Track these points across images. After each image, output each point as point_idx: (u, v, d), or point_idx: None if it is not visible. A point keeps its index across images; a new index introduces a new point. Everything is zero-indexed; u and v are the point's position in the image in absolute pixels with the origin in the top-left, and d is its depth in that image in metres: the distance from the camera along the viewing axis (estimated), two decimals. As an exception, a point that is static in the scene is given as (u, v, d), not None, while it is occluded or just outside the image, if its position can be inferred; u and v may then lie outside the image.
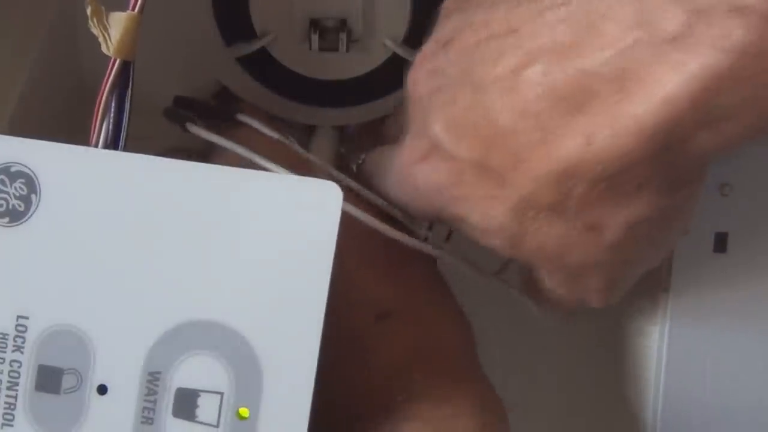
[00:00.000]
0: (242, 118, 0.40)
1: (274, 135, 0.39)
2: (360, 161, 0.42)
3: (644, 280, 0.39)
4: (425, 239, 0.37)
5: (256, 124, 0.39)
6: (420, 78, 0.34)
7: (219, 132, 0.41)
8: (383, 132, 0.43)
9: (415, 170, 0.34)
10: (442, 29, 0.34)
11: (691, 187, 0.32)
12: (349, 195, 0.34)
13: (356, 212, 0.34)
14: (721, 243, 0.37)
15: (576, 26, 0.29)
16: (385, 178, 0.37)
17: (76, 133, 0.33)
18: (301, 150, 0.38)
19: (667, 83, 0.28)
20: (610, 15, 0.29)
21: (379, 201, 0.37)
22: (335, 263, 0.30)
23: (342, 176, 0.37)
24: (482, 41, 0.32)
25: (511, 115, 0.30)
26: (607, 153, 0.29)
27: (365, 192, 0.37)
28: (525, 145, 0.30)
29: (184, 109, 0.42)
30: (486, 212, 0.32)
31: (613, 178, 0.30)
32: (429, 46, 0.35)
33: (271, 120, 0.43)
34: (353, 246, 0.32)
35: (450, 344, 0.35)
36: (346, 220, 0.31)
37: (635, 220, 0.31)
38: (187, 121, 0.38)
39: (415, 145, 0.34)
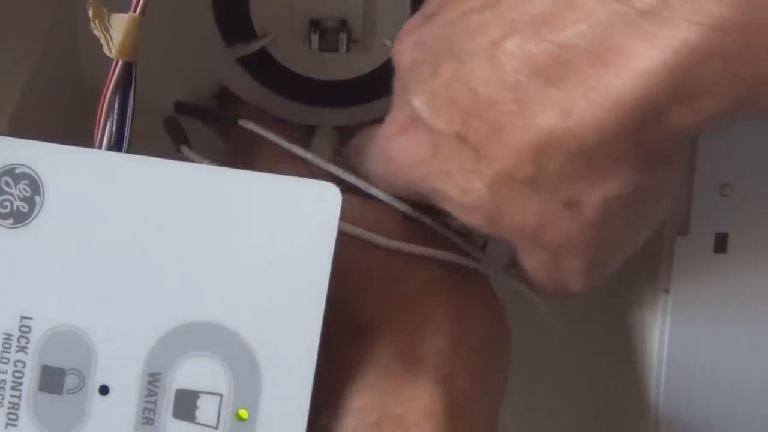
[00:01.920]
0: (243, 123, 0.40)
1: (274, 139, 0.39)
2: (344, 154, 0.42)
3: (644, 280, 0.40)
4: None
5: (257, 128, 0.39)
6: (403, 50, 0.34)
7: (223, 136, 0.41)
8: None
9: (394, 143, 0.34)
10: (428, 3, 0.34)
11: (668, 165, 0.31)
12: (351, 196, 0.34)
13: (355, 230, 0.34)
14: (721, 243, 0.38)
15: None
16: (367, 158, 0.37)
17: (76, 134, 0.33)
18: (303, 153, 0.38)
19: (642, 57, 0.28)
20: None
21: (382, 195, 0.37)
22: (333, 268, 0.30)
23: (346, 176, 0.37)
24: (464, 14, 0.32)
25: (490, 86, 0.30)
26: (584, 126, 0.29)
27: (368, 190, 0.37)
28: (502, 117, 0.30)
29: (184, 114, 0.42)
30: (463, 187, 0.32)
31: (590, 153, 0.29)
32: (414, 19, 0.35)
33: (273, 121, 0.43)
34: (340, 260, 0.32)
35: (419, 356, 0.34)
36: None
37: (613, 196, 0.31)
38: (181, 143, 0.39)
39: (395, 117, 0.34)
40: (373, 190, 0.37)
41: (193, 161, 0.37)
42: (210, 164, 0.36)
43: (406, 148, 0.33)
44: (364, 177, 0.37)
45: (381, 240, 0.35)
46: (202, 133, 0.42)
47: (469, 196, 0.32)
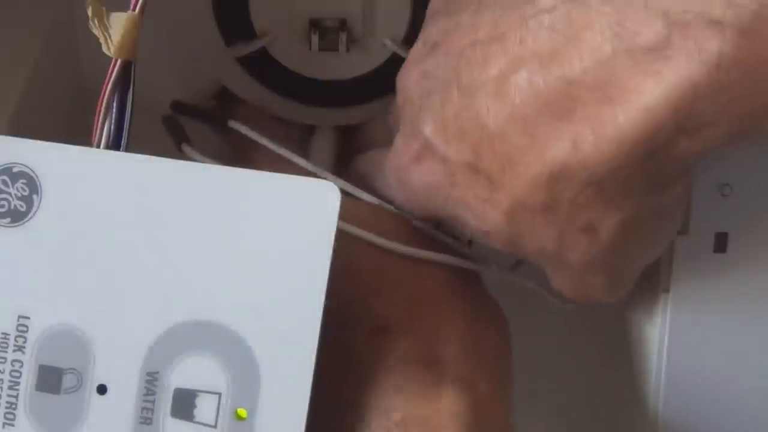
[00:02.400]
0: (232, 124, 0.40)
1: (264, 142, 0.39)
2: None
3: (644, 280, 0.40)
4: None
5: (245, 130, 0.40)
6: (409, 81, 0.35)
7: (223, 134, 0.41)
8: (369, 134, 0.43)
9: (409, 171, 0.35)
10: (428, 31, 0.35)
11: (679, 184, 0.32)
12: (349, 201, 0.34)
13: (356, 230, 0.34)
14: (721, 243, 0.37)
15: (558, 35, 0.30)
16: (380, 179, 0.38)
17: (76, 133, 0.33)
18: (295, 158, 0.38)
19: (646, 93, 0.28)
20: (589, 24, 0.29)
21: (376, 202, 0.37)
22: (332, 266, 0.29)
23: (339, 180, 0.37)
24: (469, 46, 0.32)
25: (499, 119, 0.31)
26: (592, 159, 0.30)
27: (364, 195, 0.37)
28: (514, 148, 0.31)
29: (180, 114, 0.42)
30: (481, 214, 0.33)
31: (600, 182, 0.30)
32: (417, 49, 0.35)
33: (272, 122, 0.43)
34: (348, 259, 0.32)
35: (439, 356, 0.34)
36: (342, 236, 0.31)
37: (627, 220, 0.31)
38: (182, 141, 0.39)
39: (408, 146, 0.34)
40: (365, 196, 0.37)
41: (194, 160, 0.37)
42: (211, 163, 0.36)
43: (423, 176, 0.34)
44: (381, 197, 0.38)
45: (397, 246, 0.35)
46: (203, 131, 0.42)
47: (487, 224, 0.33)
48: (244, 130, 0.40)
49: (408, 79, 0.35)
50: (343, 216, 0.30)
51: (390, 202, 0.38)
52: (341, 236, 0.30)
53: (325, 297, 0.29)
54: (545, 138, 0.30)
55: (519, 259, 0.36)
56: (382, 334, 0.33)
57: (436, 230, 0.37)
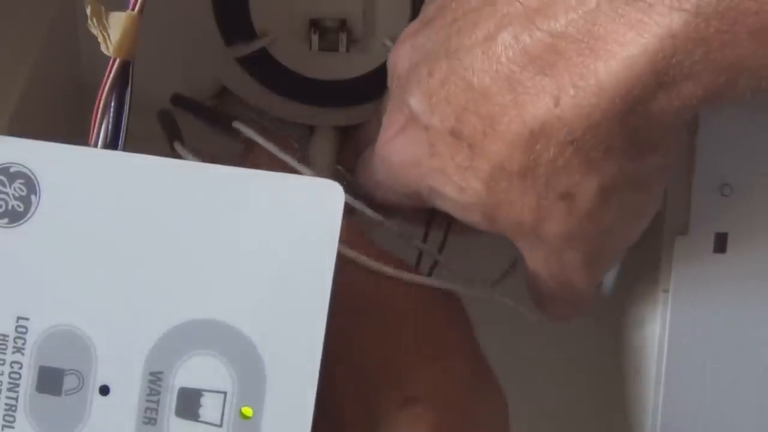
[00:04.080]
0: (237, 125, 0.40)
1: (269, 146, 0.39)
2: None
3: (644, 280, 0.40)
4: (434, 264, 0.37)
5: (250, 133, 0.39)
6: (400, 55, 0.35)
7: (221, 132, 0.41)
8: (367, 134, 0.43)
9: (391, 144, 0.35)
10: (426, 9, 0.35)
11: (656, 154, 0.32)
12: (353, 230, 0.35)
13: (351, 253, 0.34)
14: (721, 243, 0.37)
15: None
16: (371, 170, 0.38)
17: (76, 133, 0.33)
18: (295, 163, 0.38)
19: (628, 43, 0.29)
20: None
21: (379, 219, 0.37)
22: (337, 266, 0.29)
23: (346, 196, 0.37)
24: (461, 16, 0.33)
25: (485, 77, 0.31)
26: (572, 113, 0.30)
27: (363, 209, 0.37)
28: (496, 109, 0.31)
29: (182, 109, 0.42)
30: (460, 184, 0.33)
31: (580, 141, 0.30)
32: (413, 25, 0.35)
33: (273, 123, 0.43)
34: (386, 326, 0.33)
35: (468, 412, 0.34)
36: (376, 295, 0.32)
37: (606, 185, 0.31)
38: (174, 140, 0.39)
39: (393, 121, 0.35)
40: (367, 210, 0.37)
41: (185, 158, 0.37)
42: (201, 161, 0.36)
43: (403, 148, 0.34)
44: (372, 192, 0.38)
45: (392, 271, 0.35)
46: (196, 128, 0.42)
47: (466, 194, 0.33)
48: (250, 133, 0.40)
49: (397, 53, 0.35)
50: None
51: (381, 196, 0.38)
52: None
53: (330, 295, 0.29)
54: (527, 95, 0.30)
55: (503, 273, 0.37)
56: (416, 403, 0.33)
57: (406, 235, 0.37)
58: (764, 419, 0.39)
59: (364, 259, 0.34)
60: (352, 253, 0.34)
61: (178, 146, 0.39)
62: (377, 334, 0.32)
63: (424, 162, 0.34)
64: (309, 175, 0.38)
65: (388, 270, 0.34)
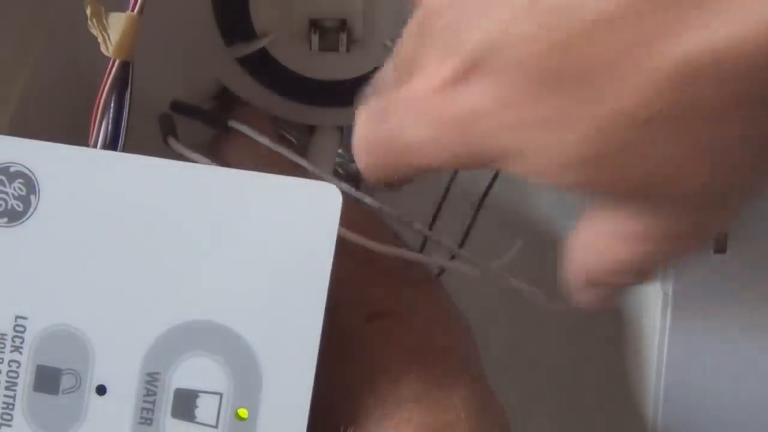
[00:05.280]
0: (233, 125, 0.40)
1: (266, 142, 0.39)
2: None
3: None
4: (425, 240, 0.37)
5: (247, 131, 0.39)
6: None
7: (215, 138, 0.41)
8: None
9: (438, 100, 0.27)
10: None
11: None
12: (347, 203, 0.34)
13: (350, 236, 0.34)
14: (721, 243, 0.37)
15: None
16: (394, 128, 0.30)
17: (77, 134, 0.33)
18: (294, 157, 0.38)
19: None
20: None
21: (377, 206, 0.37)
22: (334, 264, 0.30)
23: (338, 182, 0.37)
24: None
25: (609, 3, 0.24)
26: (732, 50, 0.23)
27: (363, 197, 0.37)
28: (631, 39, 0.24)
29: (180, 114, 0.42)
30: (553, 139, 0.26)
31: (737, 83, 0.24)
32: None
33: (272, 122, 0.43)
34: (346, 245, 0.32)
35: (447, 346, 0.34)
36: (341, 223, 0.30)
37: (753, 136, 0.25)
38: (169, 135, 0.39)
39: (434, 71, 0.27)
40: (368, 199, 0.37)
41: (180, 153, 0.37)
42: (199, 157, 0.36)
43: (461, 102, 0.27)
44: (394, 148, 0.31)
45: (389, 249, 0.35)
46: (198, 130, 0.42)
47: (562, 150, 0.26)
48: (244, 129, 0.40)
49: None
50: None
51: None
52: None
53: (327, 297, 0.29)
54: (668, 25, 0.24)
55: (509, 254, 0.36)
56: (380, 319, 0.33)
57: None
58: (764, 420, 0.39)
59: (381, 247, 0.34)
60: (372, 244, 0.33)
61: (171, 141, 0.39)
62: (338, 250, 0.30)
63: (492, 116, 0.26)
64: (308, 167, 0.38)
65: (397, 250, 0.34)
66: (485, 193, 0.42)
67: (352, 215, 0.32)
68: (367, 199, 0.38)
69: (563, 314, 0.38)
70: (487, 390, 0.34)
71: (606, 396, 0.44)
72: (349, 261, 0.33)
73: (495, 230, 0.39)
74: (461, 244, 0.39)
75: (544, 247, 0.43)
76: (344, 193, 0.30)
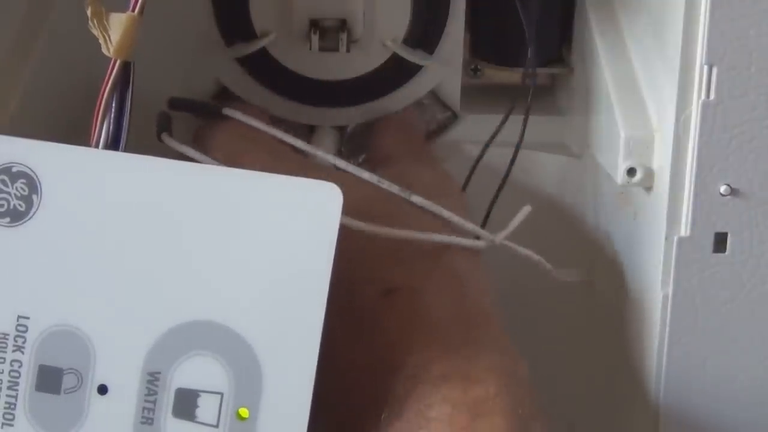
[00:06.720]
0: (227, 111, 0.40)
1: (261, 126, 0.39)
2: (360, 161, 0.42)
3: (644, 280, 0.40)
4: None
5: (240, 116, 0.39)
6: None
7: (207, 127, 0.41)
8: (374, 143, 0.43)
9: None
10: None
11: None
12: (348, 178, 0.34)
13: (353, 223, 0.34)
14: (721, 243, 0.37)
15: None
16: None
17: (77, 133, 0.33)
18: (292, 140, 0.38)
19: None
20: None
21: (375, 180, 0.37)
22: (336, 255, 0.30)
23: (338, 161, 0.37)
24: None
25: None
26: None
27: (360, 173, 0.37)
28: None
29: (178, 110, 0.42)
30: None
31: None
32: None
33: (266, 112, 0.43)
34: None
35: (465, 315, 0.33)
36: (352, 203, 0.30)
37: None
38: (163, 132, 0.39)
39: None
40: (365, 174, 0.37)
41: (174, 149, 0.37)
42: (191, 151, 0.36)
43: None
44: None
45: (393, 231, 0.35)
46: (193, 127, 0.42)
47: None
48: (241, 117, 0.40)
49: None
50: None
51: None
52: None
53: (327, 296, 0.29)
54: None
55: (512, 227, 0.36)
56: (396, 294, 0.33)
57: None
58: (764, 419, 0.39)
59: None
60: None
61: (165, 137, 0.39)
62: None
63: None
64: (306, 149, 0.38)
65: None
66: (505, 177, 0.42)
67: (354, 195, 0.33)
68: (365, 174, 0.37)
69: (565, 312, 0.38)
70: (511, 353, 0.34)
71: (606, 396, 0.44)
72: (360, 239, 0.33)
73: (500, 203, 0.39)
74: (483, 224, 0.39)
75: (549, 218, 0.43)
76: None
